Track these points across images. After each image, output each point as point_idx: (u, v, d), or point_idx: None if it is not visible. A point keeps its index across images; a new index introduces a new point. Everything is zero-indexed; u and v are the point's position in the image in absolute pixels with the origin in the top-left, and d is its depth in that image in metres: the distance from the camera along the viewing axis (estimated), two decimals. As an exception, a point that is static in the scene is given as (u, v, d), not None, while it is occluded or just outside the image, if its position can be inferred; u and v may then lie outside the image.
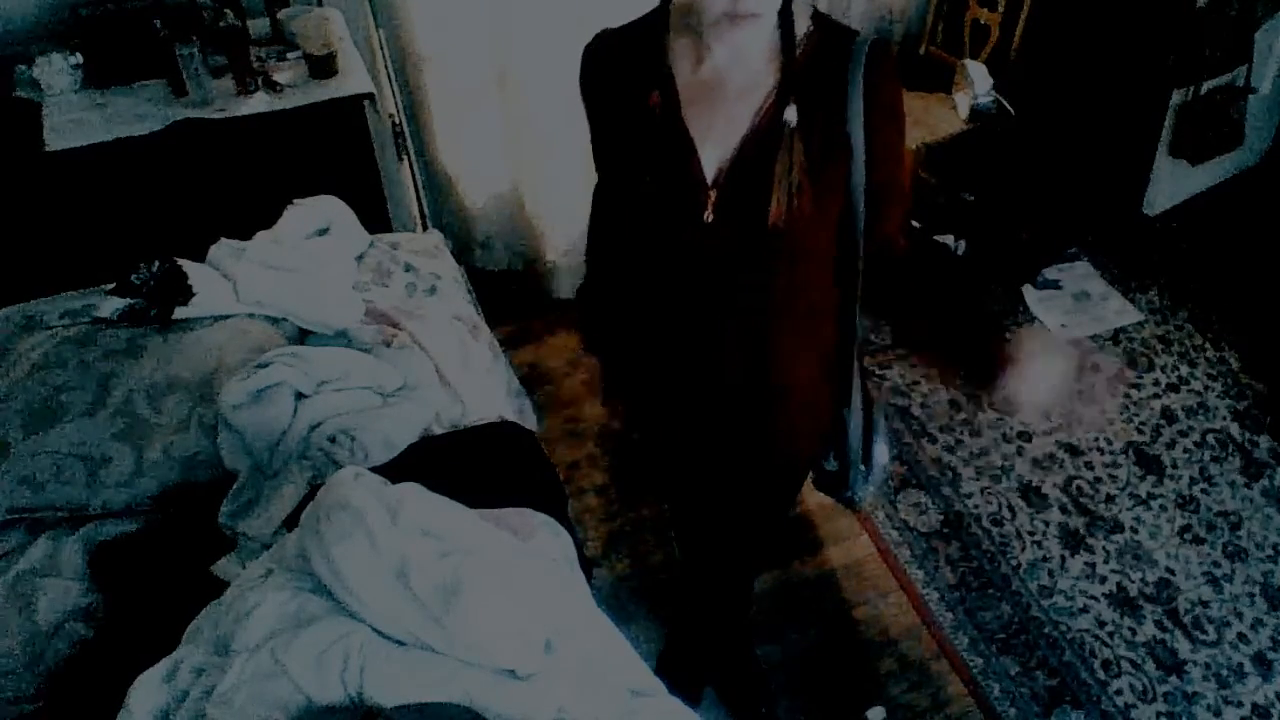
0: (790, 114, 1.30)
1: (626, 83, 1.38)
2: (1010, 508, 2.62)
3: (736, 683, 2.22)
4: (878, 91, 1.32)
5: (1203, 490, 2.66)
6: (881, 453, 1.70)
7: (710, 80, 1.34)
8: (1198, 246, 3.43)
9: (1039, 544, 2.53)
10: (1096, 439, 2.79)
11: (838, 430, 1.65)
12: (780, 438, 1.62)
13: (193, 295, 2.03)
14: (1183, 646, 2.31)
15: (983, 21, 3.08)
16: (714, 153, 1.35)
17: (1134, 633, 2.33)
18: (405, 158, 2.98)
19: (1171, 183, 3.49)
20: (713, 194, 1.35)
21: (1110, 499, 2.64)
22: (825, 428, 1.66)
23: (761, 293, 1.44)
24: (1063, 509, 2.62)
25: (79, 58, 2.53)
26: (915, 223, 3.20)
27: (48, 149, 2.35)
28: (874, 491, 1.73)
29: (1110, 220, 3.52)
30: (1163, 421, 2.85)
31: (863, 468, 1.69)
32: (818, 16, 1.35)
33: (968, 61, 2.98)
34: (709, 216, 1.36)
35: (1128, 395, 2.93)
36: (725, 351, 1.50)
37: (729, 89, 1.34)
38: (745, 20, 1.26)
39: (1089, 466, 2.73)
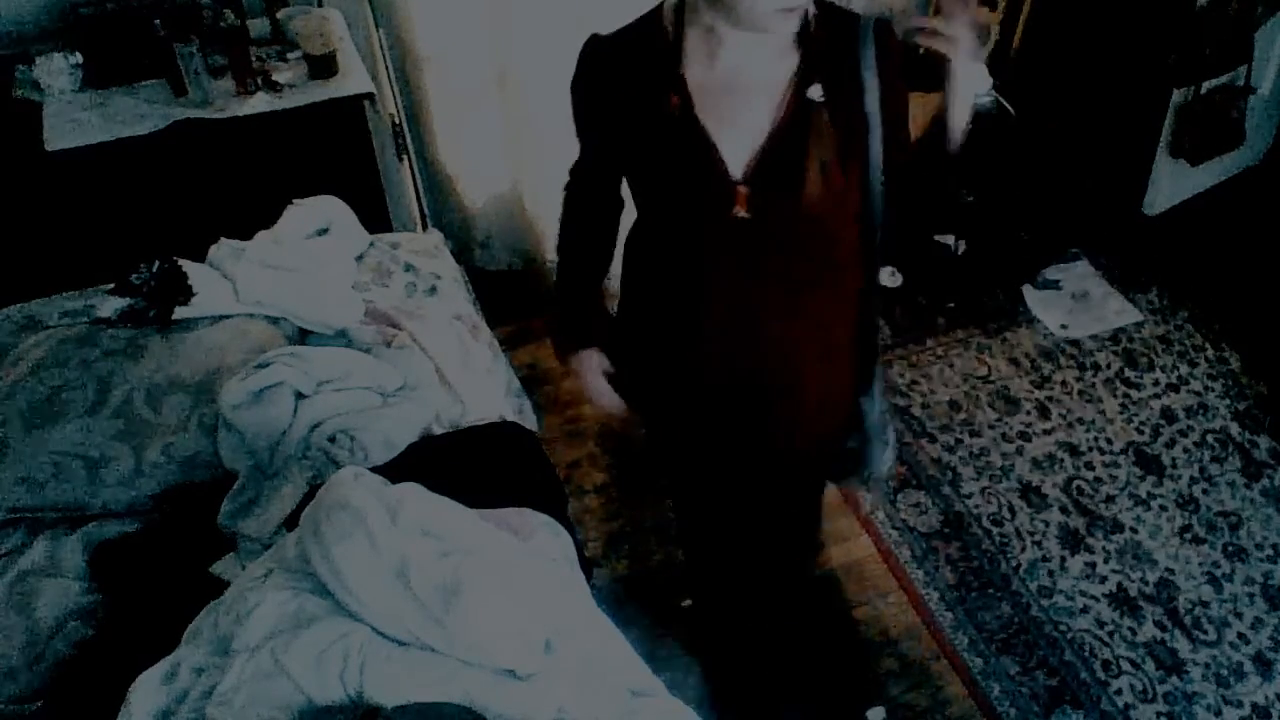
0: (815, 92, 1.33)
1: (632, 87, 1.39)
2: (1010, 508, 2.62)
3: (738, 683, 2.22)
4: (888, 67, 1.37)
5: (1203, 490, 2.66)
6: (892, 434, 1.73)
7: (724, 77, 1.35)
8: (1198, 246, 3.43)
9: (1039, 544, 2.53)
10: (1096, 439, 2.79)
11: (855, 414, 1.67)
12: (801, 427, 1.63)
13: (193, 295, 2.04)
14: (1183, 646, 2.31)
15: (983, 21, 3.08)
16: (737, 148, 1.36)
17: (1134, 633, 2.33)
18: (405, 158, 2.98)
19: (1171, 183, 3.49)
20: (743, 189, 1.36)
21: (1110, 499, 2.64)
22: (841, 422, 1.67)
23: (792, 281, 1.45)
24: (1063, 509, 2.61)
25: (79, 58, 2.53)
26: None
27: (48, 149, 2.35)
28: (889, 464, 1.74)
29: (1110, 220, 3.52)
30: (1163, 421, 2.85)
31: (882, 439, 1.71)
32: (819, 2, 1.37)
33: (968, 61, 2.98)
34: (740, 212, 1.37)
35: (1128, 395, 2.93)
36: (749, 344, 1.51)
37: (744, 84, 1.35)
38: (795, 12, 1.29)
39: (1089, 466, 2.73)
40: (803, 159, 1.34)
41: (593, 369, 1.71)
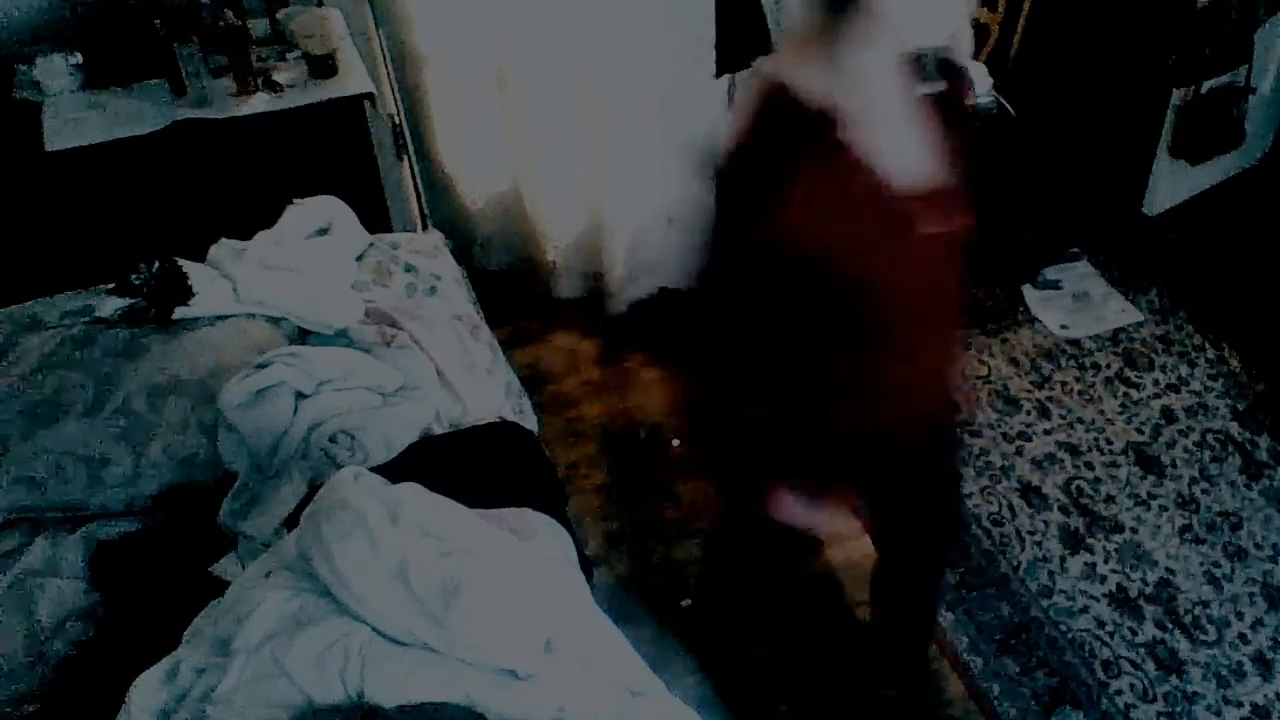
0: (936, 86, 1.37)
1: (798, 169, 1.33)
2: (1010, 508, 2.62)
3: (740, 682, 2.22)
4: None
5: (1203, 490, 2.66)
6: None
7: (869, 110, 1.33)
8: (1198, 246, 3.43)
9: (1039, 544, 2.53)
10: (1096, 439, 2.79)
11: None
12: (933, 417, 1.68)
13: (193, 295, 2.04)
14: (1183, 646, 2.31)
15: (983, 21, 3.07)
16: (904, 171, 1.36)
17: (1134, 633, 2.33)
18: (405, 158, 2.98)
19: (1171, 183, 3.49)
20: (930, 205, 1.37)
21: (1110, 499, 2.64)
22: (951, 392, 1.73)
23: (951, 268, 1.48)
24: (1063, 509, 2.61)
25: (79, 58, 2.53)
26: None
27: (48, 149, 2.35)
28: None
29: (1110, 220, 3.52)
30: (1163, 421, 2.85)
31: None
32: None
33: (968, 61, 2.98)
34: (932, 228, 1.37)
35: (1127, 395, 2.93)
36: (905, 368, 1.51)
37: (887, 107, 1.35)
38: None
39: (1089, 466, 2.73)
40: (952, 156, 1.37)
41: (797, 508, 1.58)
